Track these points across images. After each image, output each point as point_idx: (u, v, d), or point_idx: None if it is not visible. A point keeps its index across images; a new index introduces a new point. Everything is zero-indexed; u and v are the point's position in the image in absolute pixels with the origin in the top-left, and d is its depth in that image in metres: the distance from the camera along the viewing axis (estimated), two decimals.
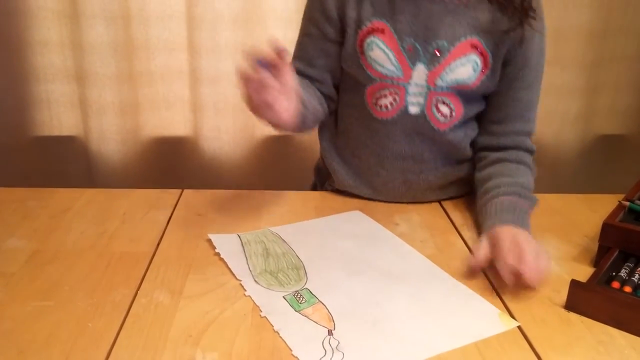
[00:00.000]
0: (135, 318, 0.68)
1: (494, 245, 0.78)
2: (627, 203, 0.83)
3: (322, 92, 0.96)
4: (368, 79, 0.91)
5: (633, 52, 1.41)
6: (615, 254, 0.78)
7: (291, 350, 0.63)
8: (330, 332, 0.66)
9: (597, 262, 0.81)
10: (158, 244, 0.84)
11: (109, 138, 1.36)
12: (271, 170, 1.45)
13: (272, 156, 1.43)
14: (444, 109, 0.91)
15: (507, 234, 0.78)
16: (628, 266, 0.75)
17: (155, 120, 1.38)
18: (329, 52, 0.93)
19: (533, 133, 0.95)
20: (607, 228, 0.79)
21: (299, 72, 0.91)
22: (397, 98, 0.91)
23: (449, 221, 0.95)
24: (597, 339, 0.67)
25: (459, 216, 0.96)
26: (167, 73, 1.34)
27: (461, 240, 0.89)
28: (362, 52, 0.89)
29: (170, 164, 1.43)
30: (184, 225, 0.90)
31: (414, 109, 0.91)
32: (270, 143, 1.43)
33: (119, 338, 0.64)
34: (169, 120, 1.39)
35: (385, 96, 0.91)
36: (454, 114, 0.92)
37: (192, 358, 0.61)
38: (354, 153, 0.99)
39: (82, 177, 1.41)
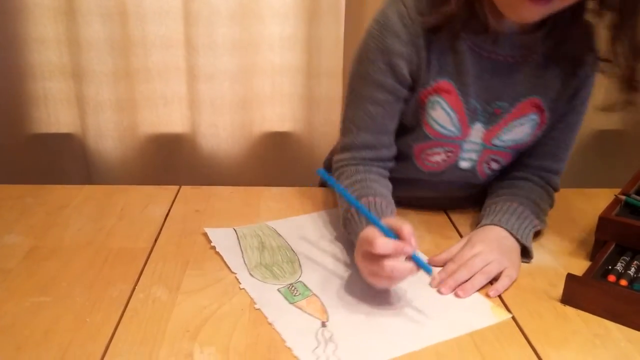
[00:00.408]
0: (133, 313, 0.68)
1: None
2: (624, 197, 0.83)
3: (387, 159, 0.88)
4: (423, 136, 0.85)
5: None
6: (612, 247, 0.78)
7: (285, 342, 0.63)
8: (323, 324, 0.67)
9: (593, 256, 0.81)
10: (156, 240, 0.84)
11: (107, 135, 1.36)
12: (269, 167, 1.45)
13: (270, 153, 1.43)
14: (495, 165, 0.90)
15: (478, 242, 0.79)
16: (624, 260, 0.76)
17: (153, 117, 1.38)
18: (399, 110, 0.85)
19: (562, 172, 0.92)
20: (603, 222, 0.79)
21: (367, 145, 0.85)
22: (450, 155, 0.87)
23: (446, 217, 0.95)
24: (593, 332, 0.67)
25: (456, 212, 0.96)
26: (164, 70, 1.34)
27: (458, 236, 0.89)
28: (423, 109, 0.83)
29: (168, 162, 1.43)
30: (182, 221, 0.90)
31: (465, 164, 0.88)
32: (268, 140, 1.43)
33: (116, 333, 0.64)
34: (167, 117, 1.39)
35: (438, 154, 0.87)
36: (502, 167, 0.91)
37: (189, 353, 0.61)
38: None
39: (80, 175, 1.41)
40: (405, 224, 0.69)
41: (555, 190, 0.93)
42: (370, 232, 0.69)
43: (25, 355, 0.60)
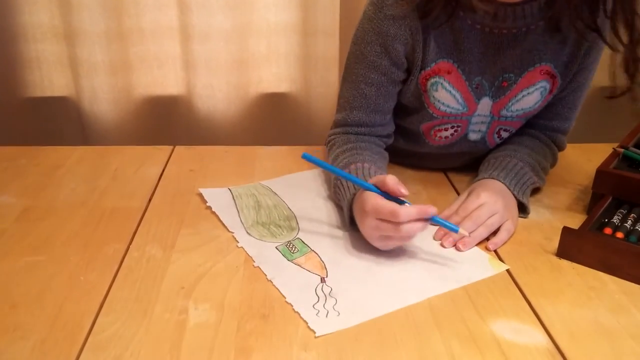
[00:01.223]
0: (128, 271, 0.68)
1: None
2: (622, 150, 0.82)
3: (383, 135, 0.89)
4: (428, 116, 0.85)
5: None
6: (609, 201, 0.77)
7: (285, 298, 0.64)
8: (322, 280, 0.67)
9: (590, 210, 0.81)
10: (150, 200, 0.84)
11: (101, 98, 1.34)
12: (266, 129, 1.43)
13: (267, 113, 1.42)
14: (504, 134, 0.89)
15: (483, 192, 0.78)
16: (621, 213, 0.75)
17: (148, 79, 1.36)
18: (394, 94, 0.85)
19: (569, 131, 0.91)
20: (601, 175, 0.79)
21: (360, 123, 0.86)
22: (458, 130, 0.87)
23: (442, 173, 0.94)
24: (588, 285, 0.67)
25: (452, 168, 0.96)
26: (158, 30, 1.31)
27: (455, 192, 0.89)
28: (425, 91, 0.83)
29: (164, 123, 1.41)
30: (176, 181, 0.90)
31: (474, 136, 0.88)
32: (265, 100, 1.41)
33: (111, 291, 0.64)
34: (162, 78, 1.37)
35: (445, 129, 0.87)
36: (511, 134, 0.90)
37: (184, 309, 0.62)
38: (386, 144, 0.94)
39: (76, 138, 1.39)
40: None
41: (560, 149, 0.92)
42: (378, 201, 0.69)
43: (20, 313, 0.61)
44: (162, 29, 1.32)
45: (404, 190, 0.68)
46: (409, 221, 0.67)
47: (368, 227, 0.70)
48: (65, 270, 0.68)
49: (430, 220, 0.69)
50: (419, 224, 0.68)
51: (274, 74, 1.39)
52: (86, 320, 0.60)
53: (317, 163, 0.75)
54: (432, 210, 0.68)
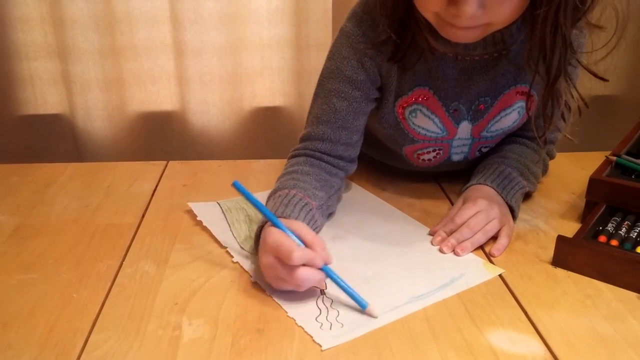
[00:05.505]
0: (121, 288, 0.67)
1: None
2: (614, 158, 0.82)
3: (344, 157, 0.84)
4: (410, 140, 0.85)
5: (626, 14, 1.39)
6: (602, 209, 0.77)
7: (286, 313, 0.63)
8: (322, 292, 0.67)
9: (584, 218, 0.81)
10: (143, 215, 0.84)
11: (95, 115, 1.34)
12: (260, 143, 1.43)
13: (261, 128, 1.42)
14: (484, 150, 0.90)
15: (479, 199, 0.78)
16: (615, 220, 0.75)
17: (142, 95, 1.36)
18: (365, 113, 0.83)
19: (557, 140, 0.92)
20: (594, 183, 0.79)
21: (324, 137, 0.82)
22: (440, 152, 0.88)
23: (436, 184, 0.94)
24: (584, 293, 0.67)
25: (446, 179, 0.96)
26: (151, 46, 1.32)
27: (449, 203, 0.89)
28: (404, 118, 0.82)
29: (159, 140, 1.41)
30: (170, 196, 0.89)
31: (457, 157, 0.89)
32: (259, 114, 1.41)
33: (104, 308, 0.64)
34: (155, 94, 1.37)
35: (428, 152, 0.88)
36: (493, 146, 0.91)
37: (178, 325, 0.61)
38: (373, 154, 0.96)
39: (70, 155, 1.39)
40: (317, 239, 0.67)
41: (550, 157, 0.92)
42: (281, 238, 0.65)
43: (12, 332, 0.60)
44: (155, 45, 1.32)
45: (325, 256, 0.65)
46: (305, 266, 0.63)
47: (265, 265, 0.66)
48: (57, 288, 0.67)
49: (328, 276, 0.65)
50: (315, 275, 0.63)
51: (268, 89, 1.40)
52: (79, 338, 0.59)
53: (244, 194, 0.71)
54: (325, 259, 0.65)
